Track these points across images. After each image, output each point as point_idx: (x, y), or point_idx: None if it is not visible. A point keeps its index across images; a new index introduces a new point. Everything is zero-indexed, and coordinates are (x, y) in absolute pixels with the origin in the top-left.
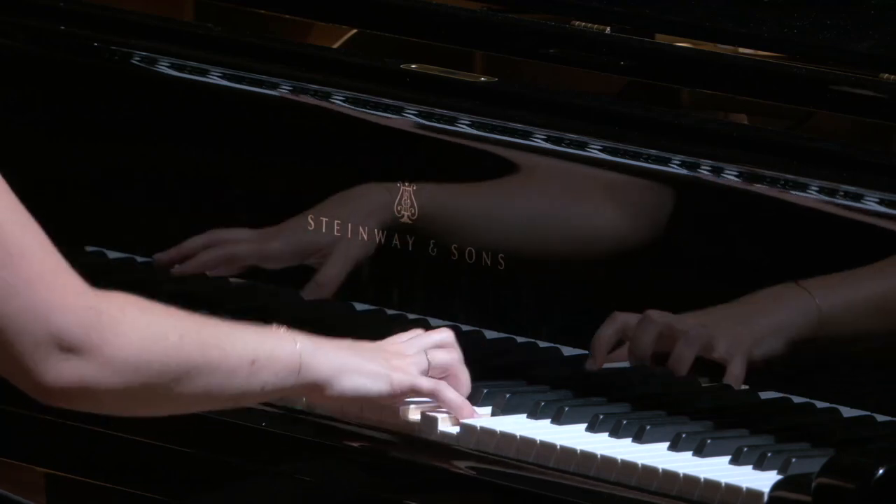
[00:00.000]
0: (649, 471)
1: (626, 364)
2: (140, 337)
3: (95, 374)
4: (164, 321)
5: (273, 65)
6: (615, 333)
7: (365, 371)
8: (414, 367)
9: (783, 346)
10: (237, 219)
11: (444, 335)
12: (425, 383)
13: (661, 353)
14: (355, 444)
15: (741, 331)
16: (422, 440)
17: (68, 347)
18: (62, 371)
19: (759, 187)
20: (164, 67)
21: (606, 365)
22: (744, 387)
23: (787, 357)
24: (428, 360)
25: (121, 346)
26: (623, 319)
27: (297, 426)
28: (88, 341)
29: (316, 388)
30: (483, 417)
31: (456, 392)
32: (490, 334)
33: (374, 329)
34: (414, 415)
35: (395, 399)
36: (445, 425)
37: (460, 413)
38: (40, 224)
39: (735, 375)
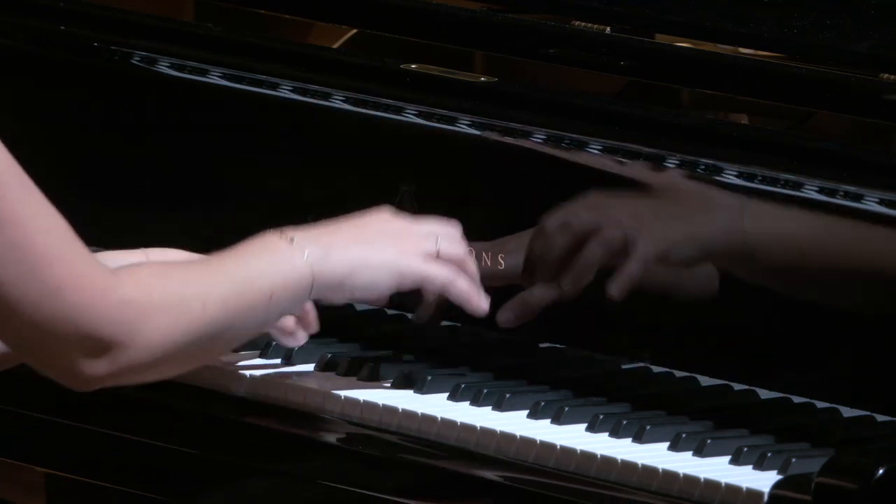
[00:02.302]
0: (649, 471)
1: (625, 360)
2: (168, 318)
3: (130, 361)
4: (185, 290)
5: (273, 65)
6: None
7: (374, 264)
8: (422, 254)
9: (700, 255)
10: (237, 219)
11: (453, 228)
12: (438, 274)
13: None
14: (358, 446)
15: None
16: (420, 440)
17: (102, 347)
18: (99, 367)
19: (759, 187)
20: (164, 67)
21: (607, 364)
22: (743, 386)
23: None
24: (438, 247)
25: (152, 332)
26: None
27: (299, 426)
28: (121, 337)
29: (328, 291)
30: (483, 418)
31: (468, 282)
32: (490, 334)
33: (375, 329)
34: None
35: (403, 288)
36: (443, 426)
37: (470, 303)
38: None
39: (642, 254)
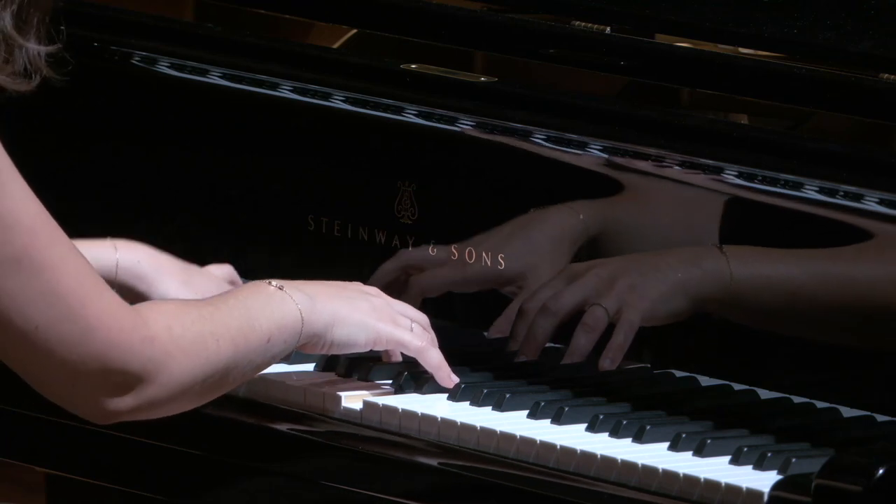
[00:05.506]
0: (649, 471)
1: (625, 360)
2: (187, 355)
3: (152, 397)
4: (202, 328)
5: (273, 65)
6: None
7: (354, 321)
8: (396, 323)
9: (688, 305)
10: (237, 219)
11: (423, 317)
12: (412, 341)
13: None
14: (358, 446)
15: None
16: (420, 440)
17: (129, 383)
18: (124, 402)
19: (759, 187)
20: (164, 67)
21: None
22: (743, 386)
23: (692, 322)
24: (411, 328)
25: (175, 368)
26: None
27: (300, 427)
28: (146, 373)
29: (311, 340)
30: (483, 418)
31: (440, 355)
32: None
33: None
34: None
35: (378, 348)
36: (443, 426)
37: (440, 373)
38: None
39: (629, 322)
